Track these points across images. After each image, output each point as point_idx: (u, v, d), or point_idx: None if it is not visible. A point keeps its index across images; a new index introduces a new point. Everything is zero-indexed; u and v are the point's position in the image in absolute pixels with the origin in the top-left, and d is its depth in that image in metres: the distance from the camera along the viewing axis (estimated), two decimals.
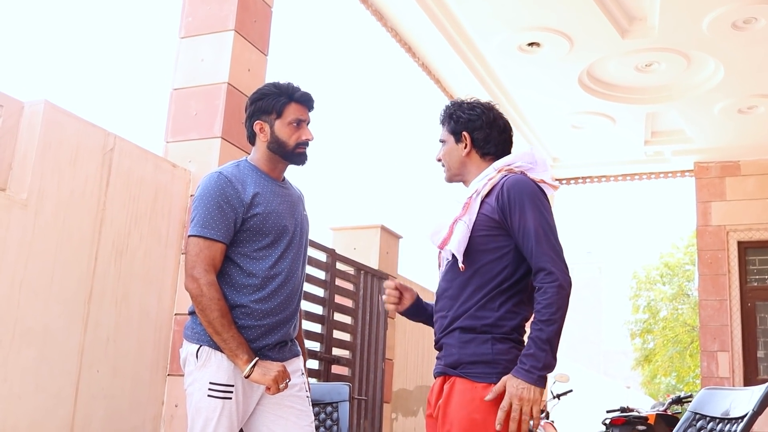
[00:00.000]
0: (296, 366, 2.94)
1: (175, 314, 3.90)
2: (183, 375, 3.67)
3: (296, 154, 2.93)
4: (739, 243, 9.19)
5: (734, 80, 7.33)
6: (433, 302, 2.79)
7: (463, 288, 2.57)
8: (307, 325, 4.71)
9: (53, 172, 3.28)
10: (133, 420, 3.64)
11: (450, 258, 2.61)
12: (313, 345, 4.76)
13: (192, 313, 2.84)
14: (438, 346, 2.63)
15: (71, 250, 3.34)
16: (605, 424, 6.67)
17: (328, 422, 3.65)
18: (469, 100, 2.77)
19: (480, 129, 2.70)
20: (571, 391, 7.96)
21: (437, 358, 2.64)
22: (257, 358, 2.68)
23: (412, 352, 6.43)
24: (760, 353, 8.94)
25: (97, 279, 3.46)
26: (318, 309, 4.91)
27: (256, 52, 4.37)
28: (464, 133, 2.71)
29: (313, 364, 4.76)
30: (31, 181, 3.18)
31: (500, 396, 2.39)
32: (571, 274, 2.49)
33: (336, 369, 4.94)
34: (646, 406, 19.31)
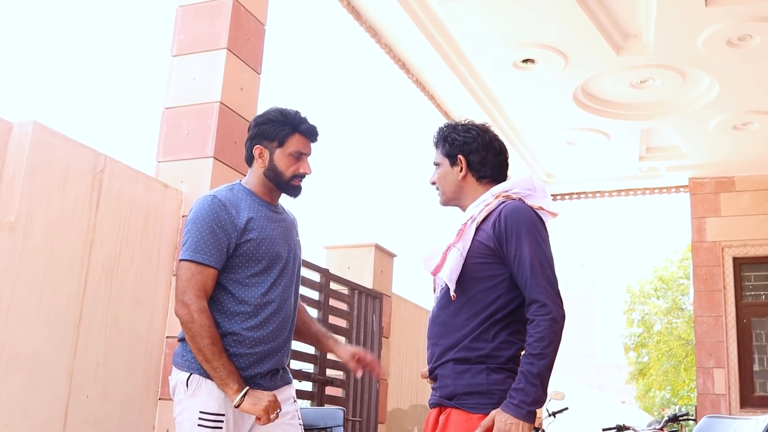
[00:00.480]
0: (288, 394, 2.89)
1: (167, 337, 3.84)
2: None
3: (291, 186, 2.88)
4: (735, 259, 9.14)
5: (729, 96, 7.31)
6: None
7: (455, 316, 2.52)
8: (301, 346, 4.64)
9: (42, 194, 3.22)
10: None
11: (444, 285, 2.56)
12: (306, 366, 4.70)
13: (182, 339, 2.78)
14: (432, 376, 2.58)
15: (60, 273, 3.28)
16: None
17: None
18: (463, 122, 2.73)
19: (476, 152, 2.65)
20: (566, 408, 7.90)
21: (432, 388, 2.58)
22: (248, 387, 2.62)
23: (407, 370, 6.37)
24: (756, 369, 8.89)
25: (86, 302, 3.40)
26: None
27: (248, 70, 4.33)
28: (459, 156, 2.66)
29: (307, 385, 4.70)
30: (19, 204, 3.12)
31: (489, 429, 2.34)
32: (564, 306, 2.44)
33: (330, 390, 4.88)
34: (641, 422, 19.23)
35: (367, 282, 5.64)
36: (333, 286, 5.03)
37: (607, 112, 7.95)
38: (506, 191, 2.60)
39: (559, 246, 10.62)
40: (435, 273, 2.56)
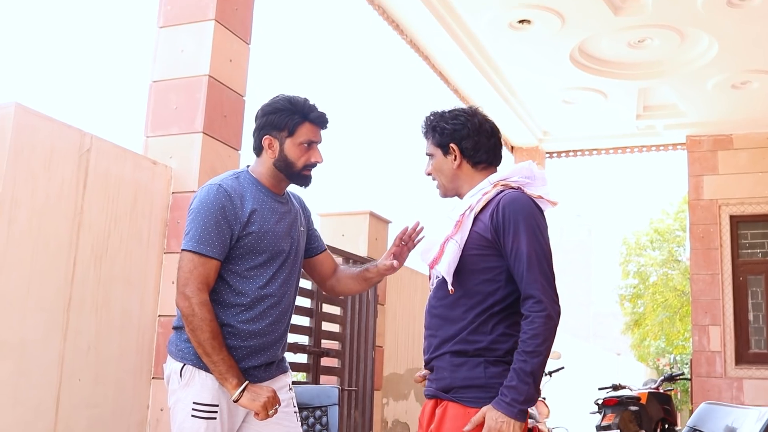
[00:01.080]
0: (283, 382, 2.85)
1: (159, 316, 3.80)
2: None
3: (302, 176, 2.80)
4: (731, 217, 9.11)
5: (728, 56, 7.20)
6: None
7: (452, 308, 2.47)
8: (296, 319, 4.61)
9: (26, 178, 3.14)
10: (118, 427, 3.55)
11: (440, 276, 2.50)
12: (301, 339, 4.68)
13: (177, 327, 2.74)
14: (428, 366, 2.54)
15: (48, 258, 3.23)
16: (598, 404, 6.64)
17: (318, 427, 3.57)
18: (449, 111, 2.65)
19: (467, 137, 2.58)
20: (563, 368, 7.92)
21: (428, 378, 2.55)
22: (247, 382, 2.58)
23: (402, 336, 6.36)
24: (752, 327, 8.92)
25: (76, 286, 3.35)
26: (306, 302, 4.81)
27: (237, 41, 4.22)
28: (451, 144, 2.59)
29: (302, 357, 4.68)
30: (2, 189, 3.04)
31: (480, 426, 2.31)
32: (559, 301, 2.40)
33: (325, 361, 4.86)
34: (637, 373, 19.41)
35: (362, 250, 5.59)
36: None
37: (604, 72, 7.83)
38: (504, 179, 2.54)
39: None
40: (432, 265, 2.51)
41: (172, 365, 2.70)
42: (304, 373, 4.67)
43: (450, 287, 2.43)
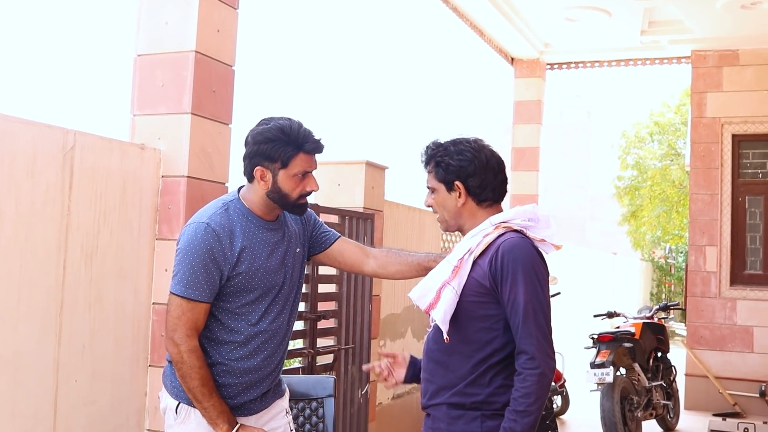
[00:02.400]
0: (279, 407, 2.86)
1: (153, 303, 3.77)
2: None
3: (297, 206, 2.70)
4: (734, 136, 8.99)
5: None
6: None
7: (449, 354, 2.44)
8: None
9: (9, 188, 3.04)
10: (117, 418, 3.58)
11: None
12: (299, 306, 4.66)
13: (170, 362, 2.72)
14: (425, 412, 2.53)
15: (36, 266, 3.16)
16: (593, 339, 6.73)
17: (314, 419, 3.60)
18: (454, 143, 2.53)
19: (474, 175, 2.48)
20: (558, 293, 7.98)
21: (425, 422, 2.54)
22: (238, 425, 2.58)
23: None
24: (748, 248, 8.95)
25: (67, 289, 3.30)
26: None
27: (225, 8, 4.01)
28: (457, 183, 2.49)
29: (299, 324, 4.68)
30: None
31: None
32: (554, 357, 2.36)
33: (322, 324, 4.87)
34: (632, 274, 19.61)
35: (358, 200, 5.51)
36: (323, 217, 4.92)
37: None
38: (507, 221, 2.46)
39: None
40: (428, 311, 2.45)
41: (167, 400, 2.70)
42: (302, 339, 4.69)
43: (445, 336, 2.39)
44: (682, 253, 24.96)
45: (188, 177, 3.77)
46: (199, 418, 2.63)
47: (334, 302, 5.02)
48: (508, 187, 2.60)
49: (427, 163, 2.58)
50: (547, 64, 10.26)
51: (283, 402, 2.89)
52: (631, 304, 18.79)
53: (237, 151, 4.09)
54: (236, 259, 2.59)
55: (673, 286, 24.57)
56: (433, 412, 2.46)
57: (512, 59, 10.15)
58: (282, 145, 2.60)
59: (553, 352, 2.35)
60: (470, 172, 2.47)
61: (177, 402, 2.65)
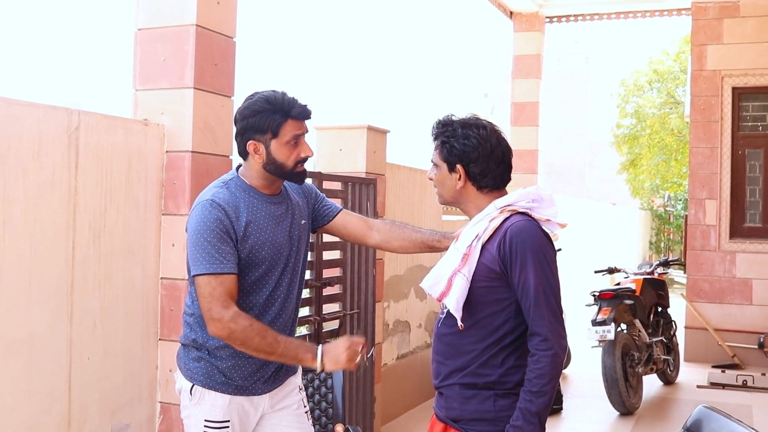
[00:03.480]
0: (293, 384, 2.91)
1: (161, 278, 3.81)
2: (174, 341, 3.66)
3: (296, 173, 2.72)
4: (734, 89, 8.96)
5: None
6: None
7: (462, 337, 2.47)
8: None
9: (16, 173, 3.06)
10: (129, 392, 3.65)
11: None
12: None
13: (183, 344, 2.76)
14: (438, 392, 2.58)
15: (46, 248, 3.19)
16: (594, 296, 6.79)
17: (323, 389, 3.66)
18: (463, 125, 2.52)
19: (476, 162, 2.49)
20: (560, 249, 8.03)
21: (437, 401, 2.59)
22: (320, 350, 2.59)
23: None
24: (748, 201, 8.98)
25: (77, 268, 3.34)
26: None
27: None
28: (458, 165, 2.51)
29: (305, 292, 4.72)
30: None
31: None
32: (566, 336, 2.40)
33: (327, 290, 4.92)
34: (632, 224, 19.64)
35: (360, 164, 5.52)
36: (326, 184, 4.93)
37: None
38: (511, 204, 2.48)
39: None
40: (440, 299, 2.48)
41: (182, 382, 2.74)
42: (308, 307, 4.74)
43: (459, 323, 2.42)
44: (680, 201, 25.03)
45: (192, 152, 3.78)
46: (213, 398, 2.68)
47: (338, 268, 5.06)
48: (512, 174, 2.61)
49: (435, 139, 2.59)
50: (546, 17, 10.18)
51: (296, 379, 2.93)
52: (631, 254, 18.91)
53: None
54: (243, 233, 2.61)
55: (671, 235, 24.67)
56: (446, 392, 2.51)
57: (511, 13, 10.06)
58: (269, 114, 2.62)
59: (565, 332, 2.40)
60: (473, 158, 2.48)
61: (191, 384, 2.69)
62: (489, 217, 2.46)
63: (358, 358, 2.60)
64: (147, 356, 3.76)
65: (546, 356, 2.32)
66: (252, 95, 2.70)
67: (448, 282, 2.44)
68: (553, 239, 2.54)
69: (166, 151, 3.81)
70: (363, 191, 5.32)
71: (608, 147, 31.07)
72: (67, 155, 3.28)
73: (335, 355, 2.58)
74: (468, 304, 2.43)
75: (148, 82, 3.87)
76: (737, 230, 8.94)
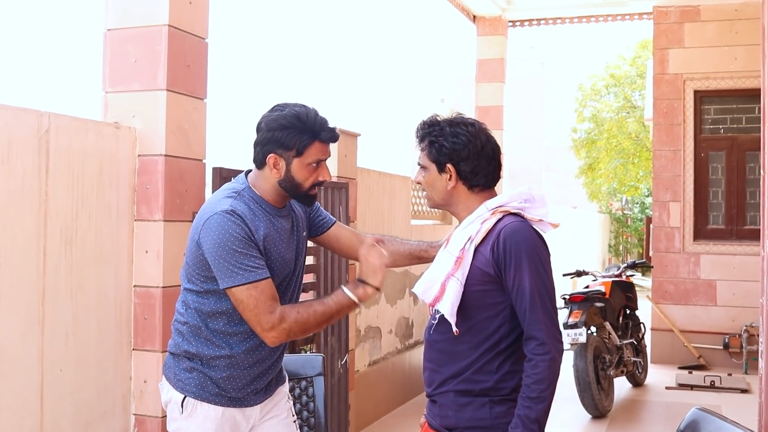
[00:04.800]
0: (282, 393, 2.83)
1: (134, 286, 3.69)
2: (149, 350, 3.55)
3: (308, 196, 2.62)
4: (696, 92, 9.06)
5: None
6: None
7: (455, 344, 2.41)
8: None
9: None
10: (103, 405, 3.52)
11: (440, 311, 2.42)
12: None
13: (173, 353, 2.65)
14: (431, 400, 2.51)
15: (16, 257, 3.06)
16: (564, 299, 6.79)
17: (304, 398, 3.57)
18: (450, 124, 2.46)
19: (466, 160, 2.43)
20: None
21: (430, 409, 2.52)
22: (358, 283, 2.55)
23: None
24: (711, 203, 9.08)
25: (48, 276, 3.21)
26: None
27: None
28: (448, 165, 2.44)
29: None
30: None
31: None
32: (563, 339, 2.35)
33: (302, 297, 4.83)
34: (593, 228, 19.80)
35: (332, 168, 5.44)
36: None
37: None
38: (503, 205, 2.42)
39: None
40: (433, 304, 2.42)
41: (171, 393, 2.63)
42: None
43: (455, 329, 2.36)
44: (638, 204, 25.33)
45: (166, 155, 3.67)
46: (206, 411, 2.58)
47: (312, 274, 4.98)
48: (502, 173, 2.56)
49: (421, 140, 2.52)
50: (509, 21, 10.20)
51: (285, 388, 2.85)
52: (591, 257, 19.06)
53: (212, 127, 4.01)
54: (262, 247, 2.51)
55: (630, 238, 24.95)
56: (440, 399, 2.44)
57: (474, 17, 10.06)
58: (297, 132, 2.51)
59: (561, 335, 2.35)
60: (463, 156, 2.42)
61: (183, 395, 2.59)
62: (481, 218, 2.40)
63: (384, 252, 2.57)
64: (120, 367, 3.63)
65: (543, 360, 2.27)
66: (282, 106, 2.58)
67: (441, 286, 2.38)
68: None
69: (139, 155, 3.70)
70: (335, 195, 5.24)
71: (565, 151, 31.39)
72: (38, 159, 3.16)
73: (371, 270, 2.54)
74: (462, 309, 2.37)
75: (119, 84, 3.76)
76: (701, 232, 9.03)
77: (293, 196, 2.61)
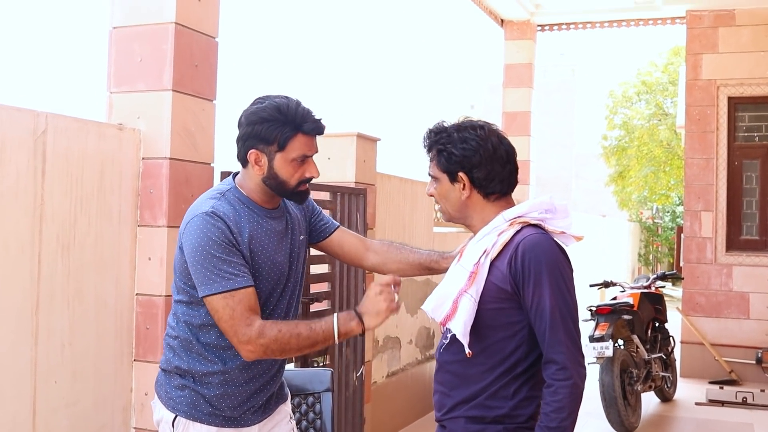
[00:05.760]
0: (284, 413, 2.66)
1: (137, 294, 3.54)
2: (150, 362, 3.39)
3: (296, 193, 2.44)
4: (730, 98, 8.77)
5: None
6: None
7: (468, 366, 2.22)
8: None
9: None
10: (102, 418, 3.37)
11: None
12: None
13: (164, 370, 2.49)
14: (440, 425, 2.32)
15: (8, 263, 2.92)
16: (591, 311, 6.55)
17: (311, 415, 3.39)
18: (459, 128, 2.28)
19: (479, 166, 2.24)
20: None
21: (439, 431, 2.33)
22: (356, 312, 2.33)
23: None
24: (744, 213, 8.79)
25: (43, 285, 3.07)
26: None
27: None
28: (460, 174, 2.25)
29: None
30: None
31: None
32: (585, 363, 2.15)
33: (315, 306, 4.66)
34: (622, 236, 19.46)
35: (350, 174, 5.28)
36: (314, 194, 4.67)
37: None
38: (521, 216, 2.23)
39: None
40: (445, 323, 2.22)
41: (162, 412, 2.47)
42: None
43: (467, 350, 2.17)
44: (668, 213, 24.89)
45: (171, 158, 3.52)
46: (198, 430, 2.41)
47: (326, 283, 4.81)
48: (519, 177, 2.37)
49: (429, 150, 2.34)
50: (538, 25, 9.99)
51: (287, 407, 2.69)
52: (620, 267, 18.73)
53: (222, 130, 3.86)
54: (247, 250, 2.35)
55: (660, 247, 24.54)
56: (450, 425, 2.25)
57: (502, 21, 9.86)
58: (278, 125, 2.35)
59: (584, 359, 2.15)
60: (475, 162, 2.23)
61: (174, 415, 2.43)
62: (497, 230, 2.21)
63: (396, 297, 2.33)
64: (121, 379, 3.48)
65: (564, 387, 2.07)
66: (263, 99, 2.42)
67: (453, 304, 2.19)
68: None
69: (143, 158, 3.55)
70: (352, 202, 5.07)
71: (595, 159, 31.00)
72: (33, 161, 3.02)
73: (373, 308, 2.31)
74: (476, 329, 2.18)
75: (124, 84, 3.62)
76: (734, 243, 8.74)
77: (281, 194, 2.44)
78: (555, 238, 2.24)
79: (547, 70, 49.93)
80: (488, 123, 2.31)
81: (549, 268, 2.11)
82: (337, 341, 2.33)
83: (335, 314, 2.35)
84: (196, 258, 2.28)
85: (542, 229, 2.22)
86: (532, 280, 2.11)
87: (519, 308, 2.15)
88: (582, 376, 2.10)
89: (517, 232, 2.18)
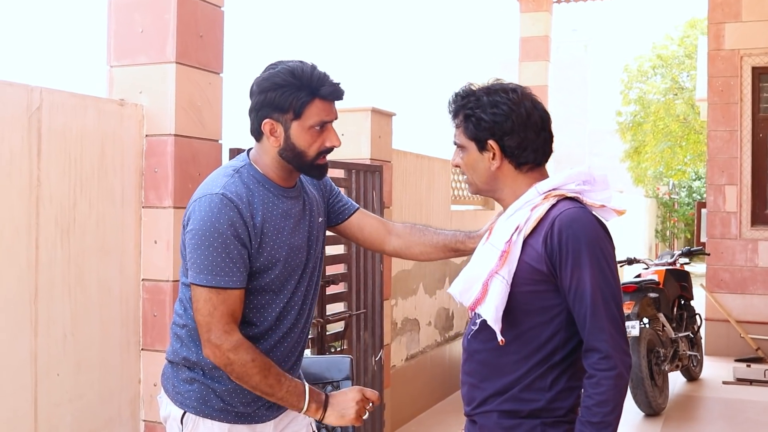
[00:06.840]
0: None
1: (143, 280, 3.35)
2: (159, 351, 3.21)
3: (315, 167, 2.24)
4: (754, 69, 8.47)
5: None
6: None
7: (500, 355, 2.01)
8: None
9: None
10: (107, 412, 3.19)
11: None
12: None
13: (171, 361, 2.30)
14: (470, 419, 2.12)
15: (3, 249, 2.73)
16: None
17: None
18: (488, 91, 2.05)
19: (511, 133, 2.01)
20: None
21: (470, 428, 2.13)
22: (326, 398, 2.21)
23: None
24: None
25: (41, 271, 2.87)
26: None
27: None
28: (490, 142, 2.03)
29: None
30: None
31: None
32: (629, 350, 1.93)
33: (331, 288, 4.47)
34: (641, 213, 19.17)
35: (364, 150, 5.06)
36: (328, 173, 4.47)
37: None
38: (557, 188, 2.01)
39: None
40: (474, 307, 2.01)
41: (170, 407, 2.29)
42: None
43: (500, 338, 1.96)
44: (685, 188, 24.53)
45: (176, 135, 3.32)
46: (209, 428, 2.23)
47: (343, 264, 4.61)
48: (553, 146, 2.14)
49: (455, 115, 2.11)
50: None
51: None
52: (638, 243, 18.46)
53: (229, 106, 3.65)
54: (259, 235, 2.16)
55: (677, 222, 24.20)
56: (481, 420, 2.05)
57: None
58: (293, 90, 2.14)
59: (628, 346, 1.94)
60: (507, 129, 2.01)
61: (182, 411, 2.24)
62: (531, 204, 1.99)
63: (365, 416, 2.23)
64: (128, 369, 3.30)
65: (608, 378, 1.87)
66: (275, 64, 2.22)
67: (483, 286, 1.97)
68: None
69: (146, 135, 3.35)
70: (368, 179, 4.85)
71: (609, 135, 30.58)
72: (28, 139, 2.82)
73: (342, 409, 2.21)
74: (508, 314, 1.97)
75: (125, 57, 3.41)
76: (759, 217, 8.48)
77: (298, 168, 2.24)
78: (594, 213, 2.02)
79: (560, 46, 49.38)
80: (521, 86, 2.09)
81: (589, 245, 1.90)
82: (300, 409, 2.19)
83: (307, 385, 2.22)
84: (195, 241, 2.12)
85: (580, 202, 2.00)
86: (570, 259, 1.89)
87: (556, 291, 1.94)
88: (627, 365, 1.90)
89: (553, 206, 1.97)
